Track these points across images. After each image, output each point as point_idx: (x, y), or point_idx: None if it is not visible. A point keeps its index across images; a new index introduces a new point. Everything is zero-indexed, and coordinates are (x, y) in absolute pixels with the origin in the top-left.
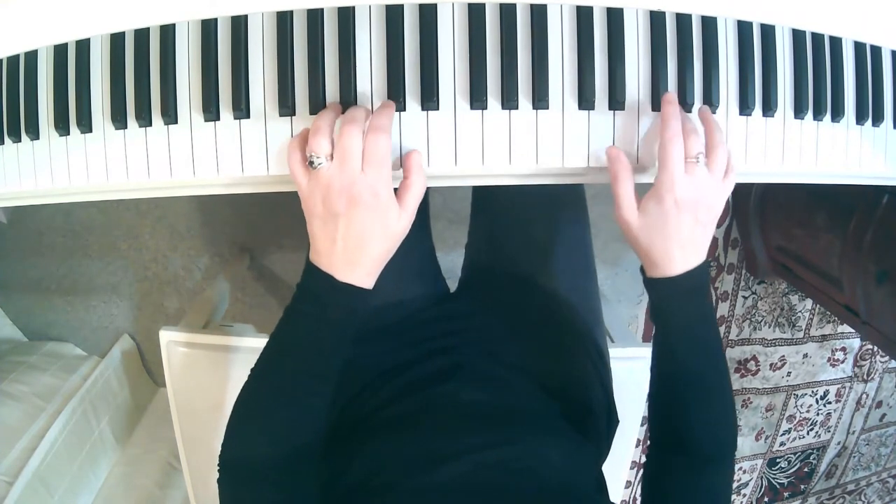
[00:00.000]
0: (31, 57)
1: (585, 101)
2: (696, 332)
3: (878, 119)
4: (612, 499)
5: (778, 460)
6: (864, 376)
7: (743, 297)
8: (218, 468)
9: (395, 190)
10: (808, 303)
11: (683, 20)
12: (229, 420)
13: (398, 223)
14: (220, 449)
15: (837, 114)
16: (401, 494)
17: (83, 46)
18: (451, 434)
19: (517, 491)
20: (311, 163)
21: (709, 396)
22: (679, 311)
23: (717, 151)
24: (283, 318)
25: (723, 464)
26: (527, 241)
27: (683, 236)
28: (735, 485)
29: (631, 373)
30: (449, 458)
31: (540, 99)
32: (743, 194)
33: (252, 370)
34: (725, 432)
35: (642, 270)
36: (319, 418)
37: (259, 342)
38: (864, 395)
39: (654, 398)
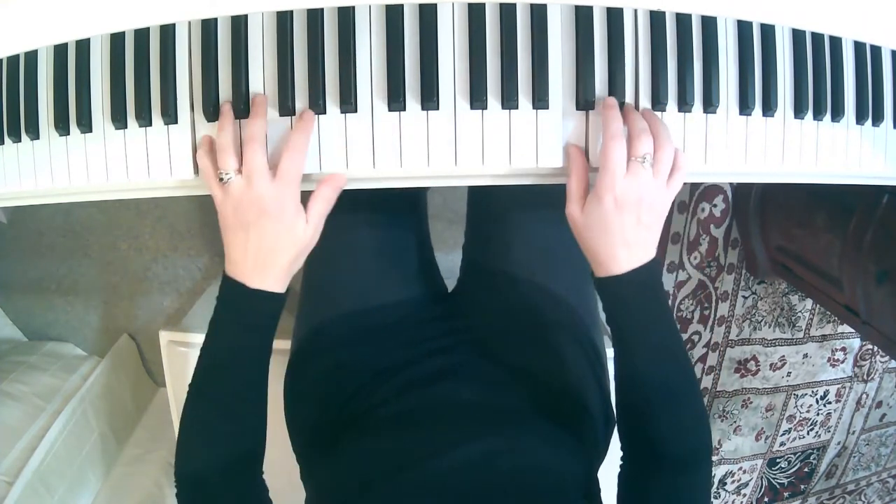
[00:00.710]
0: (31, 57)
1: (585, 101)
2: (652, 333)
3: (878, 119)
4: (609, 500)
5: (778, 460)
6: (864, 376)
7: (743, 297)
8: (175, 484)
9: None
10: (808, 303)
11: (683, 20)
12: (178, 435)
13: (304, 233)
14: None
15: (837, 114)
16: (387, 490)
17: (83, 46)
18: (444, 433)
19: (503, 491)
20: (221, 179)
21: (675, 400)
22: (632, 311)
23: (661, 152)
24: (209, 330)
25: (699, 467)
26: (524, 242)
27: (627, 236)
28: (735, 485)
29: None
30: (440, 456)
31: (540, 99)
32: (743, 194)
33: (189, 385)
34: (697, 435)
35: (592, 274)
36: (254, 425)
37: None
38: (864, 395)
39: (619, 407)
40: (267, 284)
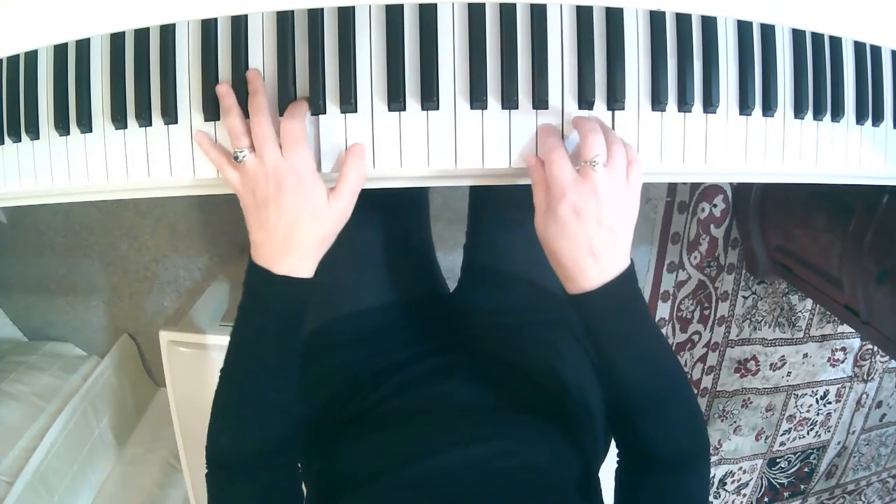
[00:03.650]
0: (31, 57)
1: (585, 101)
2: (634, 347)
3: (878, 119)
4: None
5: (778, 460)
6: (864, 376)
7: (743, 297)
8: (206, 465)
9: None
10: (808, 303)
11: (683, 20)
12: (209, 419)
13: (329, 207)
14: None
15: (837, 114)
16: (382, 489)
17: (83, 46)
18: (441, 432)
19: (498, 491)
20: (237, 158)
21: (664, 407)
22: (608, 327)
23: (613, 151)
24: (237, 318)
25: (694, 467)
26: (525, 241)
27: (592, 244)
28: (735, 485)
29: None
30: (435, 453)
31: (540, 99)
32: (743, 194)
33: (220, 371)
34: (690, 438)
35: (564, 292)
36: (284, 412)
37: None
38: (864, 395)
39: (609, 414)
40: (291, 266)
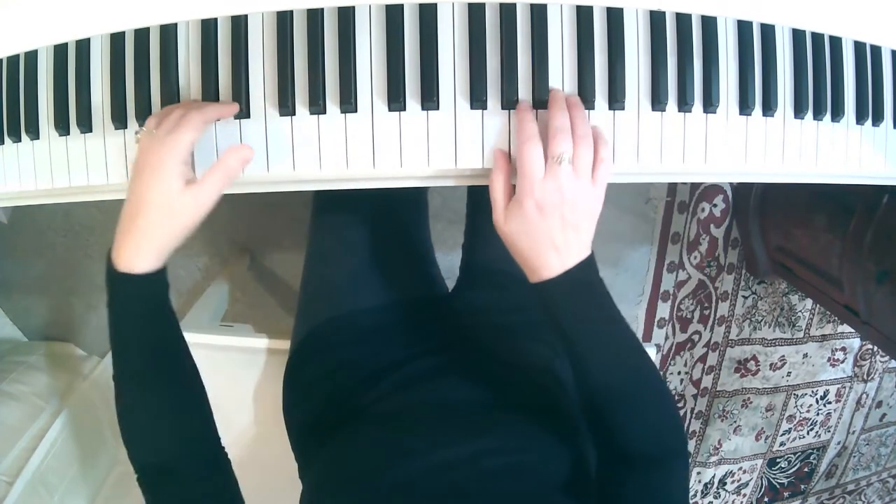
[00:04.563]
0: (31, 57)
1: (585, 101)
2: (600, 333)
3: (878, 119)
4: None
5: (778, 460)
6: (864, 376)
7: (743, 297)
8: (135, 474)
9: None
10: (808, 303)
11: (683, 20)
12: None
13: (181, 197)
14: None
15: (837, 114)
16: (374, 488)
17: (83, 46)
18: (436, 431)
19: (489, 492)
20: (137, 133)
21: (636, 402)
22: (571, 312)
23: (579, 149)
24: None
25: (671, 463)
26: None
27: (555, 239)
28: (735, 485)
29: None
30: (429, 453)
31: (540, 99)
32: (743, 194)
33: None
34: (667, 433)
35: (528, 281)
36: (182, 404)
37: (259, 342)
38: (864, 395)
39: (584, 413)
40: (129, 254)
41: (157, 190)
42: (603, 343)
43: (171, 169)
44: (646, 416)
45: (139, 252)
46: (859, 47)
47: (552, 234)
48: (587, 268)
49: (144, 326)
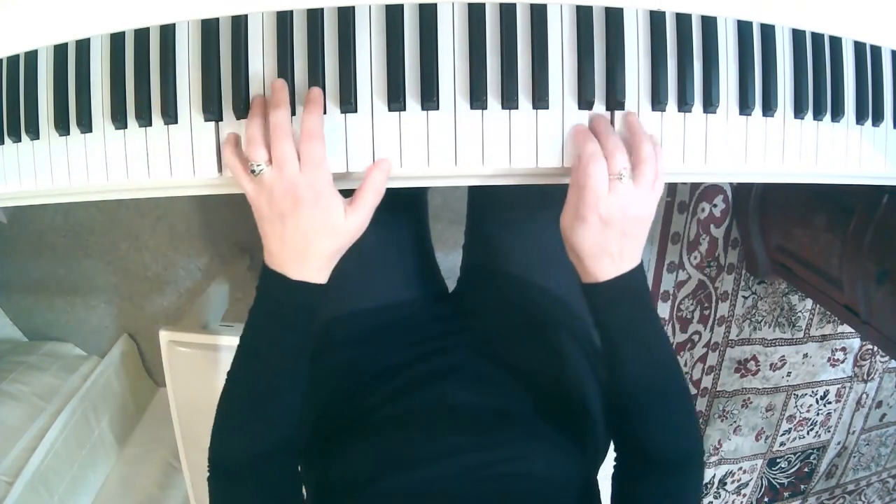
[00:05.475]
0: (31, 57)
1: (585, 101)
2: (642, 337)
3: (878, 119)
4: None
5: (778, 460)
6: (864, 376)
7: (743, 297)
8: (208, 469)
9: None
10: (808, 303)
11: (683, 20)
12: (213, 422)
13: (345, 221)
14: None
15: (837, 114)
16: (378, 493)
17: (83, 46)
18: (439, 436)
19: (493, 497)
20: (253, 171)
21: (665, 403)
22: (618, 315)
23: (644, 166)
24: (248, 320)
25: (690, 469)
26: (524, 242)
27: (612, 249)
28: (735, 485)
29: None
30: (433, 459)
31: (540, 99)
32: (743, 194)
33: (227, 373)
34: (689, 438)
35: (579, 280)
36: (292, 413)
37: None
38: (864, 395)
39: (610, 412)
40: (306, 274)
41: (325, 222)
42: (644, 348)
43: (330, 201)
44: (672, 419)
45: (320, 271)
46: (859, 47)
47: (611, 243)
48: (638, 274)
49: (304, 327)
